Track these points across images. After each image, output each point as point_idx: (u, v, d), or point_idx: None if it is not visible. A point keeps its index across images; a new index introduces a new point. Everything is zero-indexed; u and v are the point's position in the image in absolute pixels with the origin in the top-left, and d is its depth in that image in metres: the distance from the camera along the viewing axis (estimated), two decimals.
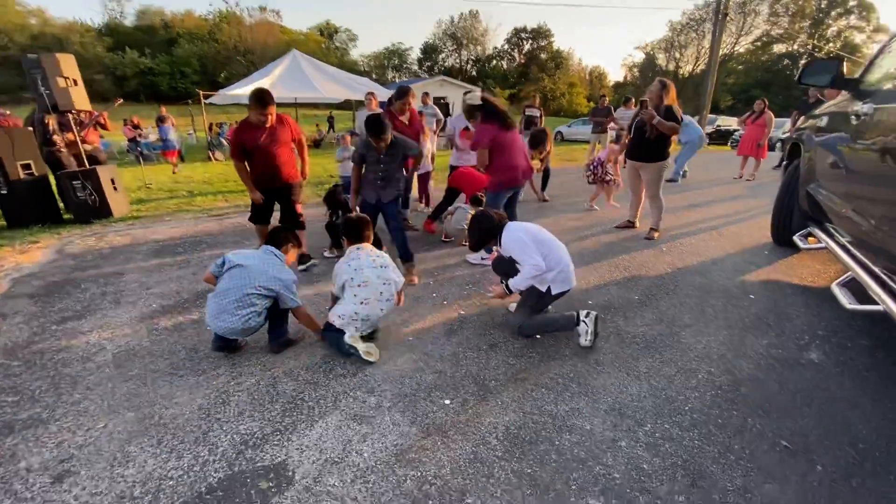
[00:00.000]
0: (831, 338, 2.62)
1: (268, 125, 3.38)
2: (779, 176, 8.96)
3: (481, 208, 2.87)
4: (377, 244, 3.76)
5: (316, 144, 17.72)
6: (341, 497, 1.54)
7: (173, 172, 10.04)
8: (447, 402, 2.03)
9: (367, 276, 2.40)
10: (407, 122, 4.57)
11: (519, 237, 2.56)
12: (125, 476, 1.65)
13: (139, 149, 14.03)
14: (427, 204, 5.90)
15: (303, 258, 3.72)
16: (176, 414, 1.98)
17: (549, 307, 2.69)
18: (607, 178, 5.83)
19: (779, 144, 13.50)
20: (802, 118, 4.57)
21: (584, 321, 2.49)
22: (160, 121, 10.99)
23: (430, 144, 6.95)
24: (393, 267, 2.55)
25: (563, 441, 1.80)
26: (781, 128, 13.55)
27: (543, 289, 2.57)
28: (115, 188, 6.08)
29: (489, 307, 3.02)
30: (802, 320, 2.84)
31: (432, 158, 9.60)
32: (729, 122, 20.82)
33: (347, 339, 2.32)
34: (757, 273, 3.68)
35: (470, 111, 3.84)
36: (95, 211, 5.64)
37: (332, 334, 2.43)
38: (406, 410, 1.98)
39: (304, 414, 1.96)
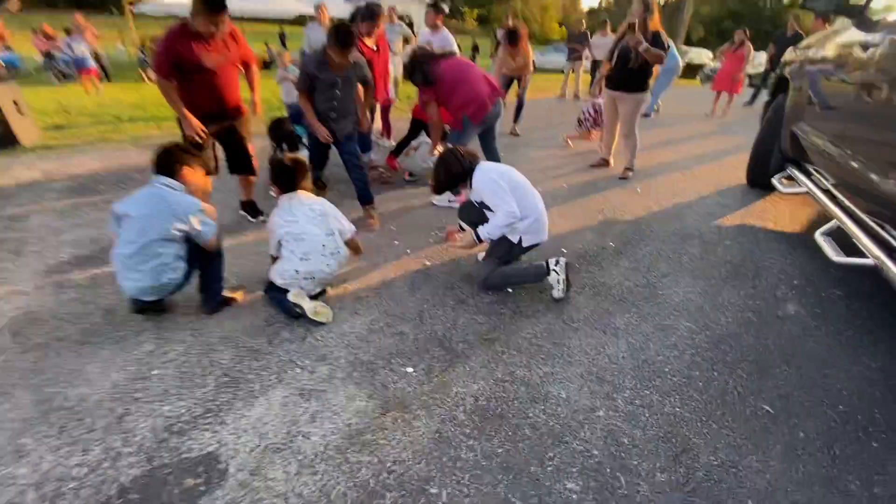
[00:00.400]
0: (807, 288, 2.55)
1: (217, 38, 2.57)
2: (750, 113, 8.89)
3: (450, 145, 2.49)
4: (320, 186, 3.33)
5: (265, 65, 16.04)
6: (284, 494, 1.32)
7: (86, 92, 8.79)
8: (409, 370, 1.81)
9: (303, 228, 2.05)
10: (375, 49, 3.88)
11: (493, 179, 2.24)
12: (15, 477, 1.35)
13: (56, 65, 12.23)
14: (388, 137, 5.39)
15: (252, 209, 3.20)
16: (84, 394, 1.66)
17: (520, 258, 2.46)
18: (600, 122, 5.41)
19: (746, 80, 13.27)
20: (790, 50, 4.27)
21: (554, 270, 2.28)
22: (68, 32, 9.41)
23: (391, 69, 6.25)
24: (335, 214, 2.19)
25: (538, 413, 1.63)
26: (753, 62, 13.27)
27: (515, 239, 2.31)
28: (20, 111, 5.18)
29: (457, 256, 2.76)
30: (778, 269, 2.75)
31: (396, 84, 8.82)
32: (699, 56, 20.28)
33: (292, 295, 2.01)
34: (732, 217, 3.56)
35: (409, 73, 3.34)
36: None
37: (274, 293, 2.11)
38: (362, 381, 1.74)
39: (243, 390, 1.69)
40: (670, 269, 2.70)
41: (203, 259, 2.07)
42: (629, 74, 3.93)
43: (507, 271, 2.35)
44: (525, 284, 2.41)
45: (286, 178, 2.12)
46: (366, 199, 3.23)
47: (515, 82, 5.94)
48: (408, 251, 2.82)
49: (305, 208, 2.10)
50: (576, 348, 1.97)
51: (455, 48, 4.82)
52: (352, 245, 2.28)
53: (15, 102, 5.11)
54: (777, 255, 2.93)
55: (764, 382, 1.82)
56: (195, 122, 2.61)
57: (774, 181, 3.37)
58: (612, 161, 4.78)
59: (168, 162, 2.00)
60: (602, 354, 1.95)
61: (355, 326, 2.06)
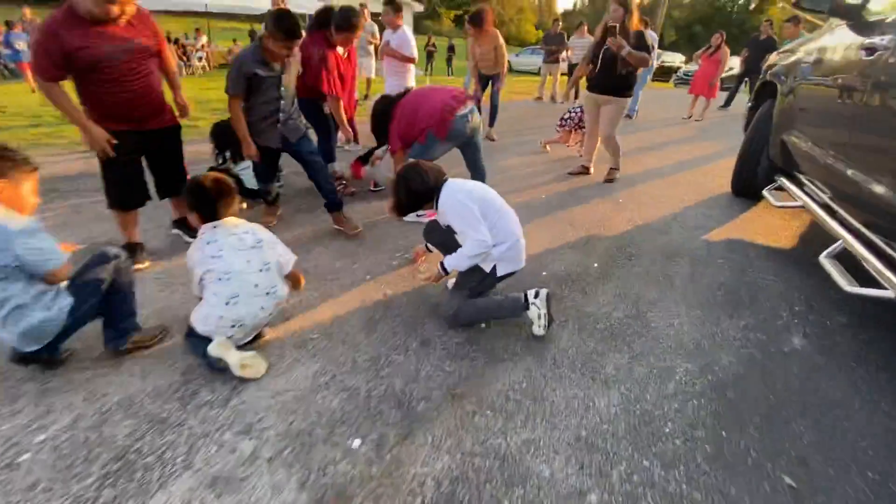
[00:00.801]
0: (808, 314, 2.31)
1: (120, 21, 2.03)
2: (726, 117, 8.87)
3: (412, 160, 2.15)
4: (269, 203, 2.96)
5: None
6: None
7: (32, 91, 8.15)
8: (356, 443, 1.45)
9: (230, 264, 1.67)
10: (347, 59, 3.53)
11: (460, 201, 1.91)
12: None
13: (3, 61, 11.40)
14: (356, 141, 4.99)
15: (189, 227, 2.62)
16: None
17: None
18: (583, 126, 5.14)
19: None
20: (774, 54, 4.10)
21: (534, 303, 1.96)
22: (8, 25, 8.72)
23: (363, 71, 5.84)
24: (272, 242, 1.82)
25: (516, 501, 1.30)
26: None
27: (487, 269, 1.98)
28: None
29: (423, 284, 2.41)
30: (775, 291, 2.51)
31: (368, 84, 8.38)
32: (673, 59, 20.53)
33: (213, 348, 1.62)
34: (719, 230, 3.33)
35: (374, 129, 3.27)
36: None
37: (195, 340, 1.72)
38: (295, 463, 1.38)
39: (136, 480, 1.31)
40: (661, 294, 2.43)
41: (105, 291, 1.69)
42: (615, 79, 3.68)
43: (480, 305, 2.02)
44: (501, 319, 2.09)
45: (205, 203, 1.72)
46: (335, 205, 2.89)
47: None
48: (367, 277, 2.46)
49: (233, 239, 1.71)
50: (561, 403, 1.66)
51: (413, 48, 4.49)
52: (292, 278, 1.91)
53: None
54: (772, 274, 2.70)
55: (780, 442, 1.54)
56: (98, 131, 2.11)
57: (766, 194, 3.15)
58: (592, 168, 4.53)
59: None
60: (592, 410, 1.63)
61: (294, 382, 1.69)
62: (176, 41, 13.71)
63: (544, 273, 2.58)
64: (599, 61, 3.72)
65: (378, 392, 1.66)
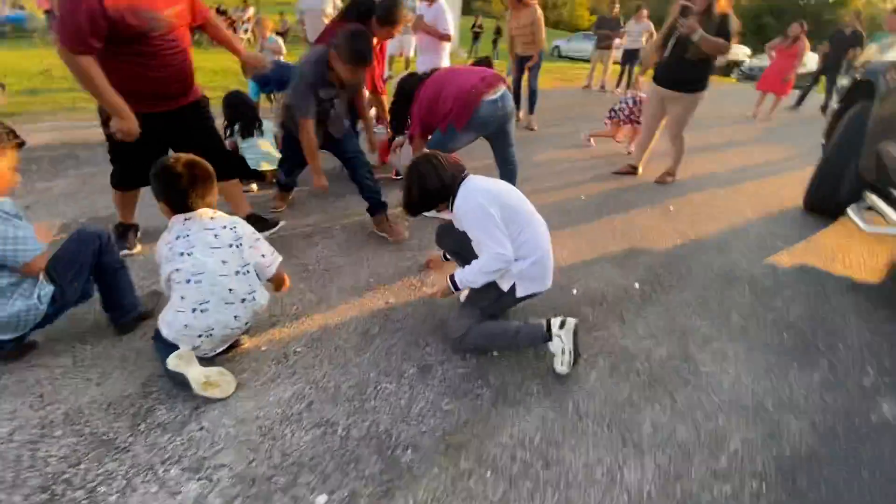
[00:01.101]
0: None
1: None
2: (797, 118, 7.99)
3: (427, 151, 1.85)
4: (283, 188, 2.74)
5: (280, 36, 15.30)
6: None
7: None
8: (321, 499, 1.19)
9: (201, 264, 1.42)
10: (379, 49, 3.37)
11: (479, 205, 1.59)
12: None
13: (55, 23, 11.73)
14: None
15: (261, 221, 2.39)
16: None
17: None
18: (638, 120, 4.60)
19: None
20: (871, 48, 3.49)
21: (557, 335, 1.62)
22: None
23: (407, 50, 5.56)
24: (252, 240, 1.55)
25: None
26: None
27: (505, 287, 1.66)
28: None
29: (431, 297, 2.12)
30: (859, 339, 2.06)
31: (407, 64, 8.05)
32: (735, 52, 18.99)
33: (172, 361, 1.39)
34: (788, 253, 2.85)
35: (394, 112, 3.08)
36: None
37: (160, 346, 1.49)
38: None
39: None
40: (715, 331, 2.03)
41: (95, 273, 1.59)
42: (685, 68, 3.20)
43: (493, 330, 1.71)
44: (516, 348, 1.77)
45: (175, 192, 1.46)
46: (378, 207, 2.58)
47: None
48: (371, 280, 2.19)
49: (207, 235, 1.46)
50: (580, 471, 1.33)
51: (448, 24, 4.11)
52: (276, 280, 1.66)
53: None
54: (855, 316, 2.23)
55: None
56: (132, 119, 1.80)
57: (852, 214, 2.65)
58: (641, 169, 4.06)
59: None
60: (619, 485, 1.30)
61: (265, 406, 1.45)
62: (224, 13, 13.77)
63: (575, 291, 2.23)
64: (671, 47, 3.23)
65: (358, 431, 1.39)
